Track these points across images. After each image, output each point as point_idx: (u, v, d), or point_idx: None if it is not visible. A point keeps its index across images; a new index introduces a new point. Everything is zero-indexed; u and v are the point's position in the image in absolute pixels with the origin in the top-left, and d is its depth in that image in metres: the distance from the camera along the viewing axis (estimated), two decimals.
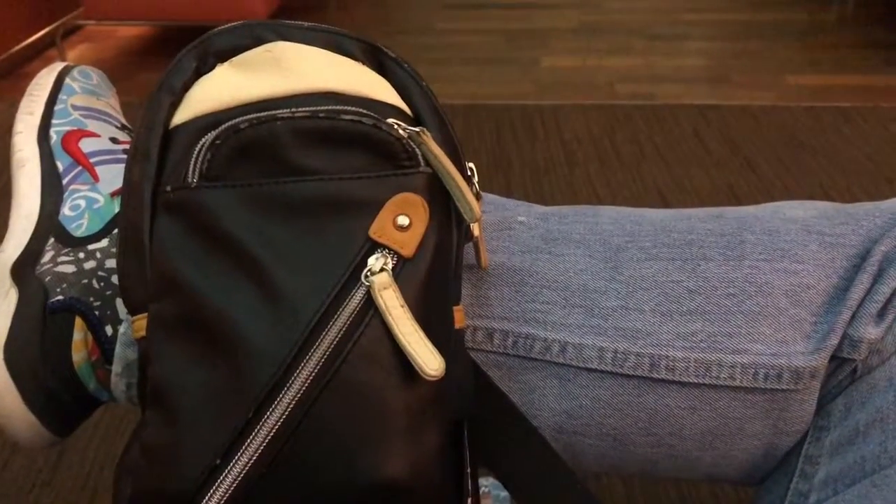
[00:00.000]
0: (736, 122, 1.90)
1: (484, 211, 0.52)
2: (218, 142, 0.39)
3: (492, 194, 0.55)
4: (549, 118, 1.97)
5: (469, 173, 0.45)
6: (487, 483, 0.87)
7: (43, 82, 0.59)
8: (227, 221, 0.38)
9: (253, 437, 0.35)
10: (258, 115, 0.40)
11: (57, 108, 0.58)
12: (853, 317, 0.44)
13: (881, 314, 0.44)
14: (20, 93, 0.59)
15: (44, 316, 0.47)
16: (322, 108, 0.40)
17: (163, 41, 2.57)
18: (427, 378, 0.36)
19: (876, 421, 0.44)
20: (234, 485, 0.35)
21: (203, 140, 0.40)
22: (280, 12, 2.75)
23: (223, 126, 0.40)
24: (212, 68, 0.44)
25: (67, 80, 0.60)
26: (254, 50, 0.43)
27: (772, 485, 0.49)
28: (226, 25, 0.45)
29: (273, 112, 0.40)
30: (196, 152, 0.40)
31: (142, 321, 0.40)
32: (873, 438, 0.43)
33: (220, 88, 0.42)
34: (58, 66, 0.61)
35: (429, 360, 0.36)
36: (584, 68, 2.30)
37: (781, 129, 1.86)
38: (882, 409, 0.44)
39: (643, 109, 1.99)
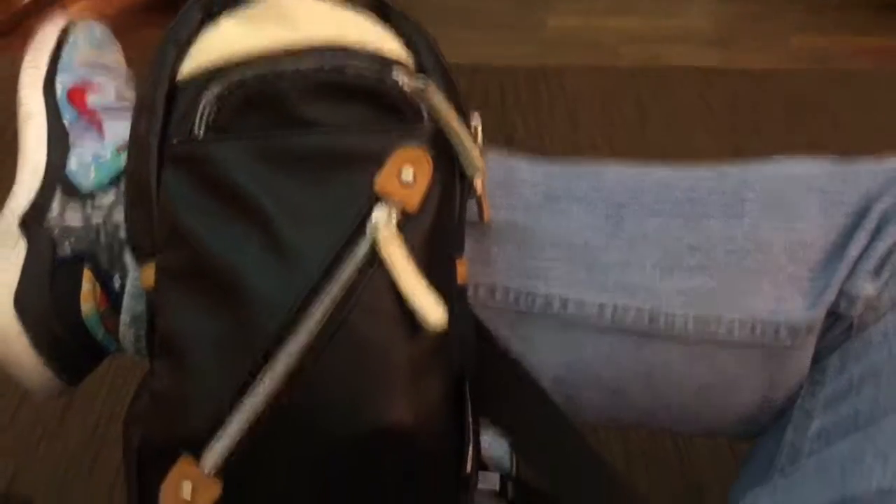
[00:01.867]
0: (742, 85, 1.89)
1: (488, 167, 0.53)
2: (224, 94, 0.40)
3: (495, 151, 0.56)
4: (554, 80, 1.96)
5: (473, 128, 0.45)
6: (488, 436, 0.88)
7: (48, 36, 0.59)
8: (233, 173, 0.39)
9: (259, 386, 0.36)
10: (263, 67, 0.40)
11: (62, 61, 0.58)
12: (850, 273, 0.45)
13: (878, 271, 0.45)
14: (23, 49, 0.59)
15: (53, 267, 0.48)
16: (327, 61, 0.40)
17: None
18: (430, 329, 0.36)
19: (870, 375, 0.44)
20: (242, 431, 0.36)
21: (209, 92, 0.40)
22: None
23: (229, 79, 0.40)
24: (217, 21, 0.44)
25: (72, 35, 0.60)
26: (258, 3, 0.43)
27: (767, 438, 0.50)
28: None
29: (278, 64, 0.40)
30: (202, 105, 0.40)
31: (150, 272, 0.40)
32: (866, 392, 0.44)
33: (225, 41, 0.42)
34: (62, 21, 0.61)
35: (432, 311, 0.37)
36: (590, 29, 2.28)
37: (786, 92, 1.85)
38: (876, 364, 0.44)
39: (648, 71, 1.97)
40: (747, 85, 1.89)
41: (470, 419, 0.41)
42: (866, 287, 0.44)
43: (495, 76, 1.97)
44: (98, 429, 0.98)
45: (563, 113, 1.82)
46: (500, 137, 1.68)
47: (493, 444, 0.92)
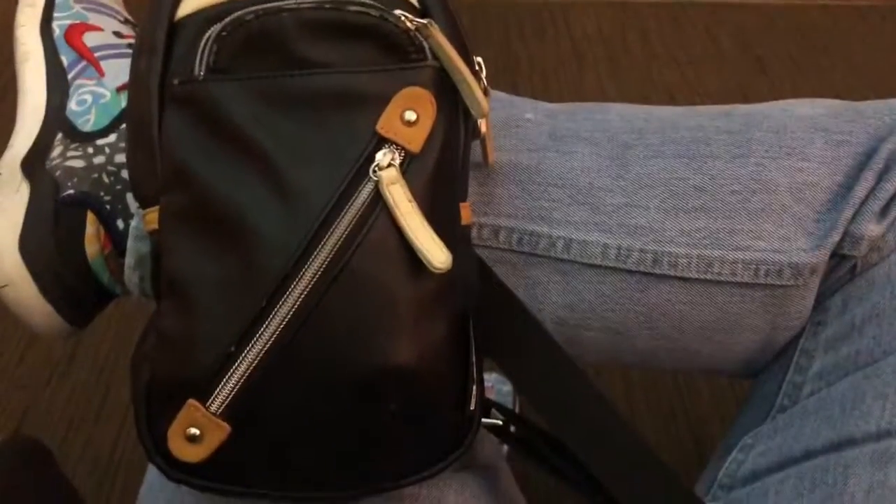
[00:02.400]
0: (749, 20, 1.86)
1: (491, 108, 0.52)
2: (224, 34, 0.39)
3: (499, 91, 0.55)
4: (559, 16, 1.93)
5: (477, 68, 0.45)
6: (491, 378, 0.89)
7: None
8: (234, 114, 0.38)
9: (266, 326, 0.36)
10: (264, 6, 0.39)
11: (58, 0, 0.57)
12: (856, 214, 0.45)
13: (883, 212, 0.45)
14: None
15: (56, 209, 0.48)
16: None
17: None
18: (434, 271, 0.36)
19: (872, 316, 0.45)
20: (249, 371, 0.36)
21: (209, 32, 0.39)
22: None
23: (229, 18, 0.39)
24: None
25: None
26: None
27: (767, 377, 0.50)
28: None
29: (279, 3, 0.39)
30: (202, 45, 0.39)
31: (153, 214, 0.40)
32: (868, 333, 0.44)
33: None
34: None
35: (436, 253, 0.37)
36: None
37: (796, 29, 1.81)
38: (878, 305, 0.45)
39: (655, 7, 1.94)
40: (756, 20, 1.86)
41: (474, 358, 0.41)
42: (871, 228, 0.44)
43: (499, 12, 1.94)
44: (106, 369, 0.99)
45: (569, 50, 1.79)
46: (504, 75, 1.66)
47: (497, 383, 0.93)
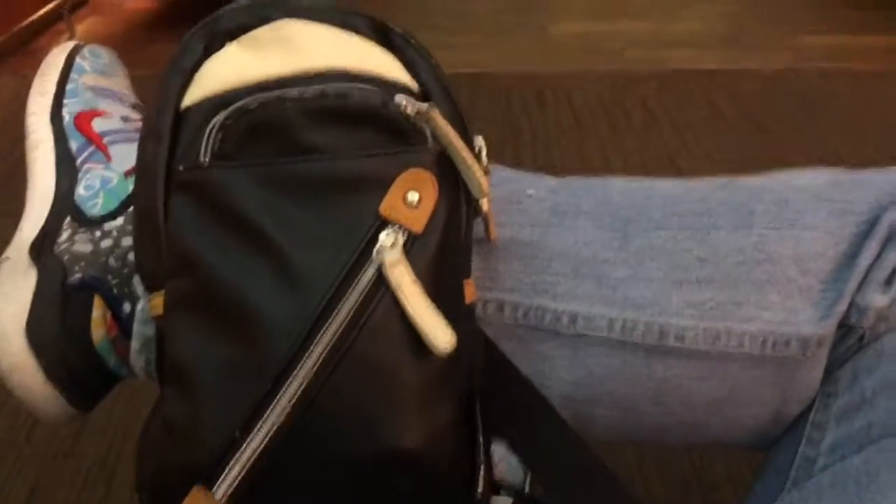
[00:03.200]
0: (748, 85, 1.89)
1: (493, 184, 0.53)
2: (229, 122, 0.40)
3: (501, 166, 0.56)
4: (559, 85, 1.96)
5: (477, 150, 0.45)
6: (500, 450, 0.88)
7: (54, 62, 0.60)
8: (240, 200, 0.39)
9: (271, 411, 0.36)
10: (267, 94, 0.40)
11: (69, 87, 0.59)
12: (861, 284, 0.45)
13: (889, 281, 0.45)
14: (29, 67, 0.60)
15: (63, 294, 0.48)
16: (331, 86, 0.40)
17: (172, 14, 2.57)
18: (438, 353, 0.36)
19: (883, 388, 0.44)
20: (254, 457, 0.36)
21: (214, 120, 0.40)
22: None
23: (233, 106, 0.40)
24: (221, 48, 0.44)
25: (78, 60, 0.61)
26: (261, 28, 0.44)
27: (780, 450, 0.50)
28: (233, 5, 0.45)
29: (282, 91, 0.40)
30: (207, 132, 0.40)
31: (159, 299, 0.40)
32: (880, 405, 0.44)
33: (230, 68, 0.42)
34: (68, 46, 0.62)
35: (440, 335, 0.37)
36: (594, 34, 2.28)
37: (795, 93, 1.84)
38: (889, 376, 0.44)
39: (654, 75, 1.97)
40: (755, 86, 1.89)
41: (481, 440, 0.41)
42: (877, 298, 0.44)
43: (500, 83, 1.98)
44: (114, 447, 0.98)
45: (570, 118, 1.82)
46: (507, 145, 1.68)
47: (508, 462, 0.91)
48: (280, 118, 0.40)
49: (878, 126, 1.69)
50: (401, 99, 0.40)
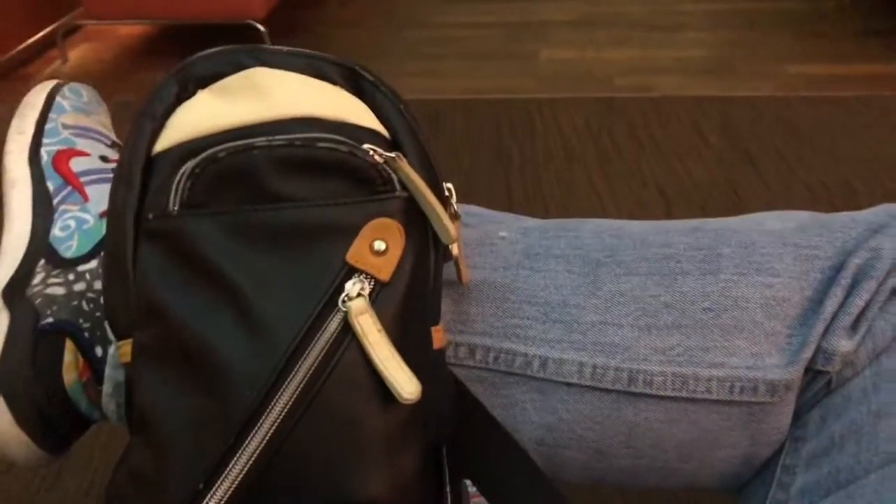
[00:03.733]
0: (735, 113, 1.90)
1: (466, 224, 0.53)
2: (197, 170, 0.40)
3: (474, 206, 0.56)
4: (548, 112, 1.97)
5: (447, 194, 0.46)
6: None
7: (33, 101, 0.60)
8: (207, 248, 0.39)
9: (234, 462, 0.36)
10: (236, 143, 0.40)
11: (47, 126, 0.59)
12: (827, 329, 0.45)
13: (854, 327, 0.45)
14: (21, 94, 0.60)
15: (35, 338, 0.48)
16: (298, 135, 0.41)
17: (163, 40, 2.58)
18: (403, 402, 0.37)
19: (850, 432, 0.44)
20: None
21: (183, 168, 0.41)
22: (279, 9, 2.75)
23: (202, 155, 0.40)
24: (192, 95, 0.44)
25: (58, 98, 0.61)
26: (232, 76, 0.44)
27: (751, 494, 0.50)
28: (205, 52, 0.45)
29: (250, 140, 0.40)
30: (177, 180, 0.40)
31: (127, 347, 0.41)
32: (848, 450, 0.44)
33: (200, 116, 0.43)
34: (49, 85, 0.62)
35: (405, 384, 0.37)
36: (583, 61, 2.30)
37: (781, 121, 1.86)
38: (856, 421, 0.44)
39: (642, 102, 1.99)
40: (741, 113, 1.91)
41: (448, 488, 0.41)
42: (843, 343, 0.44)
43: (490, 109, 1.99)
44: (95, 482, 0.98)
45: (559, 145, 1.83)
46: (496, 170, 1.69)
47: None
48: (248, 167, 0.40)
49: (863, 153, 1.71)
50: (368, 147, 0.41)
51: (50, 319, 0.49)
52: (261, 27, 2.29)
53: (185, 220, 0.40)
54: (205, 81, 0.45)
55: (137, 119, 0.44)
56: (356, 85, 0.45)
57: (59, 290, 0.50)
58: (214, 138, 0.42)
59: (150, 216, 0.41)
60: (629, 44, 2.38)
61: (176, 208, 0.40)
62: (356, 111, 0.44)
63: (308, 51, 0.46)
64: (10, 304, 0.49)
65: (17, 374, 0.47)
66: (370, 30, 2.65)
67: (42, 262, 0.51)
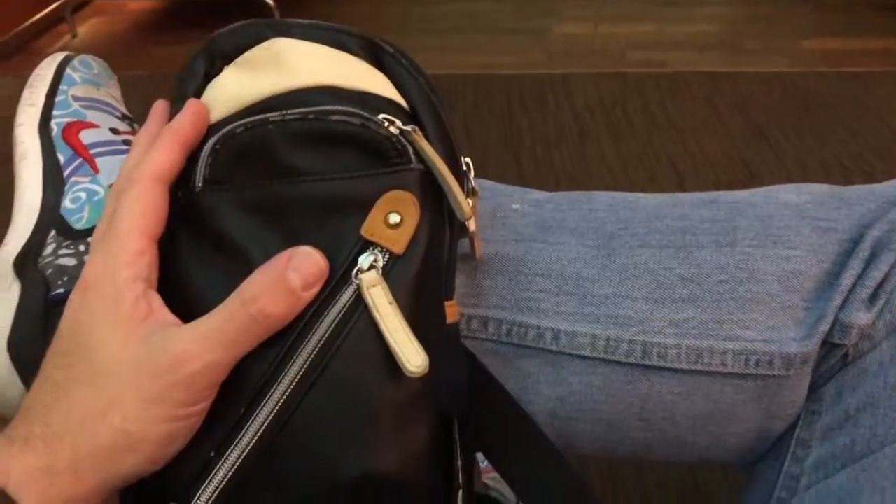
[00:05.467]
0: (749, 89, 1.88)
1: (479, 197, 0.53)
2: (218, 146, 0.40)
3: (487, 180, 0.55)
4: (560, 88, 1.96)
5: (465, 168, 0.45)
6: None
7: (43, 73, 0.60)
8: (226, 224, 0.39)
9: (245, 431, 0.36)
10: (252, 118, 0.40)
11: (57, 99, 0.59)
12: (844, 302, 0.44)
13: (872, 299, 0.44)
14: (31, 68, 0.60)
15: (46, 307, 0.48)
16: (313, 108, 0.40)
17: (174, 14, 2.57)
18: (409, 375, 0.36)
19: (866, 405, 0.44)
20: (228, 476, 0.36)
21: (207, 145, 0.41)
22: None
23: (222, 131, 0.40)
24: (219, 71, 0.45)
25: (68, 71, 0.61)
26: (254, 49, 0.44)
27: (764, 467, 0.50)
28: (228, 27, 0.46)
29: (266, 115, 0.40)
30: (201, 157, 0.40)
31: None
32: (863, 422, 0.44)
33: (227, 94, 0.43)
34: (58, 57, 0.62)
35: (412, 356, 0.37)
36: (596, 36, 2.27)
37: (795, 96, 1.84)
38: (872, 394, 0.44)
39: (655, 77, 1.97)
40: (756, 88, 1.89)
41: (459, 462, 0.41)
42: (860, 316, 0.44)
43: (501, 84, 1.98)
44: None
45: (571, 121, 1.82)
46: (507, 146, 1.69)
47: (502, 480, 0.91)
48: (263, 142, 0.40)
49: (879, 128, 1.69)
50: (384, 118, 0.40)
51: (61, 290, 0.49)
52: (270, 1, 2.28)
53: (207, 195, 0.40)
54: (229, 56, 0.45)
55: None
56: (376, 58, 0.45)
57: (70, 261, 0.50)
58: (235, 114, 0.42)
59: (179, 193, 0.41)
60: (642, 18, 2.36)
61: (200, 185, 0.40)
62: (377, 82, 0.44)
63: (329, 23, 0.46)
64: (21, 275, 0.49)
65: (29, 344, 0.47)
66: (381, 4, 2.63)
67: (53, 233, 0.51)
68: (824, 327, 0.44)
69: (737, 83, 1.91)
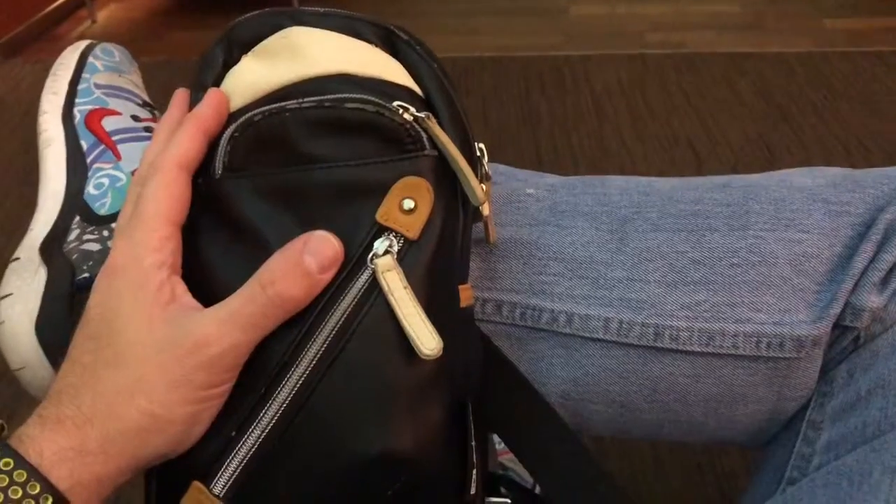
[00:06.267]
0: (769, 70, 1.87)
1: (494, 182, 0.53)
2: (237, 134, 0.41)
3: (502, 165, 0.56)
4: (578, 69, 1.95)
5: (479, 154, 0.46)
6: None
7: (66, 61, 0.61)
8: (244, 210, 0.40)
9: (265, 412, 0.37)
10: (270, 106, 0.41)
11: (80, 87, 0.60)
12: (856, 285, 0.45)
13: (884, 282, 0.45)
14: (51, 54, 0.61)
15: (72, 292, 0.50)
16: (329, 95, 0.41)
17: (192, 0, 2.58)
18: (424, 357, 0.37)
19: (878, 387, 0.44)
20: (248, 456, 0.37)
21: (226, 133, 0.41)
22: None
23: (241, 119, 0.41)
24: (237, 60, 0.45)
25: (90, 59, 0.62)
26: (271, 37, 0.45)
27: (776, 448, 0.50)
28: (246, 15, 0.46)
29: (283, 103, 0.41)
30: (221, 145, 0.41)
31: None
32: (874, 404, 0.44)
33: (245, 83, 0.44)
34: (81, 45, 0.63)
35: (426, 339, 0.37)
36: (614, 17, 2.26)
37: (817, 77, 1.82)
38: (884, 376, 0.44)
39: (674, 58, 1.96)
40: (776, 70, 1.87)
41: (473, 443, 0.42)
42: (872, 299, 0.44)
43: (520, 66, 1.97)
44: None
45: (589, 102, 1.81)
46: (526, 128, 1.68)
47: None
48: (280, 130, 0.41)
49: None
50: (398, 105, 0.41)
51: (86, 274, 0.50)
52: None
53: (226, 182, 0.41)
54: (247, 45, 0.46)
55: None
56: (391, 45, 0.46)
57: (95, 246, 0.51)
58: (253, 102, 0.43)
59: (199, 181, 0.42)
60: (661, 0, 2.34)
61: (220, 172, 0.41)
62: (391, 69, 0.44)
63: (344, 11, 0.46)
64: (47, 260, 0.51)
65: (56, 327, 0.49)
66: None
67: (77, 219, 0.53)
68: (836, 310, 0.45)
69: (757, 64, 1.89)
